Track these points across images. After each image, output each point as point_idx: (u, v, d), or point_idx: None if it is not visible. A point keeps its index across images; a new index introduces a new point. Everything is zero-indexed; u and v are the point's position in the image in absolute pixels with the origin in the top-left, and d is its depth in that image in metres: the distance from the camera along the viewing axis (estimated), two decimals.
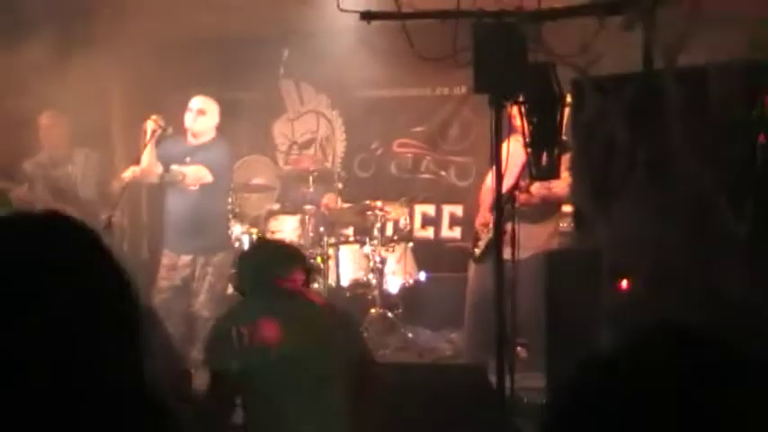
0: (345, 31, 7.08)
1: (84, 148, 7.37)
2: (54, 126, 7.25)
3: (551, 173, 4.53)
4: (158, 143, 6.69)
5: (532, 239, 5.83)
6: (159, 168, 6.69)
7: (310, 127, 9.06)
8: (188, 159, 6.78)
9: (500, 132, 4.58)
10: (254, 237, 7.66)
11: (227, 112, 7.17)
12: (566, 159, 4.71)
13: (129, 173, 6.72)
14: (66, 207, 7.05)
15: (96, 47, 7.02)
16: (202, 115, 6.86)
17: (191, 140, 6.87)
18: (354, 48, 7.67)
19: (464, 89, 8.17)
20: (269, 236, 7.79)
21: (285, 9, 7.36)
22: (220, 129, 7.07)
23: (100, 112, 8.28)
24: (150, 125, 6.61)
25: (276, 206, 8.53)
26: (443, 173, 8.62)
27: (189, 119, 6.81)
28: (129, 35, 7.00)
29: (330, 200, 8.01)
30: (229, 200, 7.26)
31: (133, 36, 6.98)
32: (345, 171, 8.35)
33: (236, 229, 7.67)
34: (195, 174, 6.72)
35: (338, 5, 4.69)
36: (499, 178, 4.56)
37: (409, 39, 4.68)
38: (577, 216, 4.68)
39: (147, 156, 6.64)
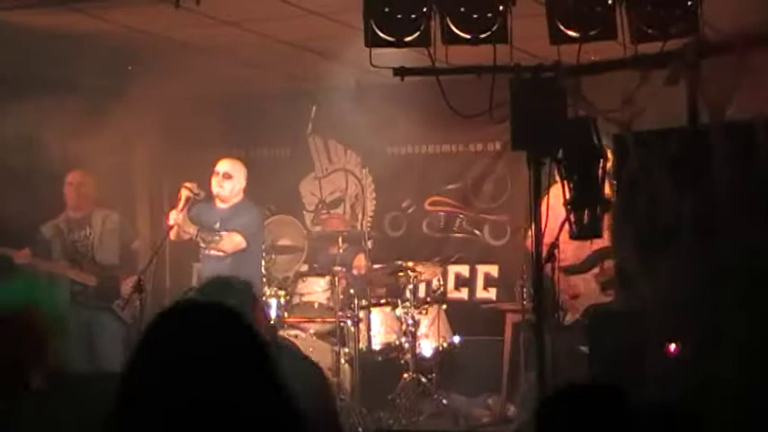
0: (376, 87, 7.19)
1: (103, 209, 7.44)
2: (81, 186, 7.34)
3: (594, 231, 4.57)
4: (189, 209, 6.80)
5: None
6: (193, 229, 6.79)
7: (339, 185, 9.14)
8: (218, 225, 6.87)
9: (539, 191, 4.64)
10: (282, 301, 7.72)
11: (254, 171, 7.27)
12: (608, 217, 4.74)
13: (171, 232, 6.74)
14: (82, 272, 7.14)
15: (122, 105, 7.16)
16: (229, 180, 6.96)
17: (219, 205, 6.99)
18: (385, 103, 7.76)
19: (498, 145, 8.25)
20: (297, 299, 7.84)
21: (314, 64, 7.48)
22: (247, 188, 7.15)
23: (123, 172, 8.43)
24: (185, 193, 6.73)
25: (305, 268, 8.57)
26: (477, 232, 8.63)
27: (215, 183, 6.95)
28: (154, 92, 7.15)
29: (360, 261, 8.05)
30: (261, 262, 7.31)
31: (158, 94, 7.12)
32: (376, 230, 8.41)
33: (265, 292, 7.72)
34: (230, 241, 6.84)
35: (370, 61, 4.79)
36: (538, 238, 4.61)
37: (444, 95, 4.77)
38: (620, 274, 4.70)
39: (181, 218, 6.73)
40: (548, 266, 5.09)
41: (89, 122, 6.92)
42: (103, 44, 7.05)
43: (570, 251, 5.89)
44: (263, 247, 7.44)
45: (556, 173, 4.89)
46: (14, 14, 6.43)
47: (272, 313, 7.58)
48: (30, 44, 6.75)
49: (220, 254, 6.85)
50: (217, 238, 6.79)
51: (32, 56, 6.92)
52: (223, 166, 6.99)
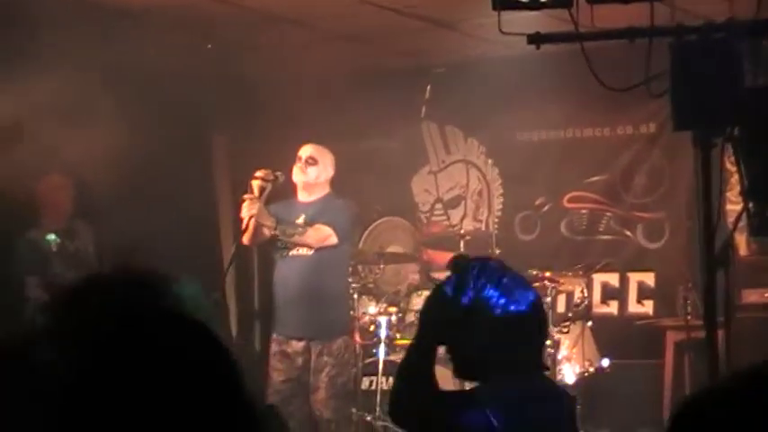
0: (504, 61, 7.15)
1: (82, 219, 7.49)
2: (63, 189, 7.43)
3: None
4: (266, 203, 6.73)
5: None
6: (271, 221, 6.68)
7: (458, 180, 9.11)
8: (301, 219, 6.82)
9: (709, 179, 4.51)
10: (393, 318, 7.72)
11: (357, 165, 7.28)
12: None
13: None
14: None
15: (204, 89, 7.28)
16: (313, 165, 6.86)
17: (302, 197, 6.92)
18: (514, 80, 7.70)
19: (653, 126, 8.13)
20: (412, 317, 7.83)
21: (428, 37, 7.47)
22: (347, 186, 7.15)
23: (203, 165, 8.58)
24: (256, 183, 6.64)
25: (419, 279, 8.57)
26: (628, 232, 8.52)
27: (297, 171, 6.85)
28: (234, 73, 7.25)
29: None
30: (349, 269, 7.28)
31: (240, 74, 7.21)
32: (503, 233, 8.35)
33: (370, 309, 7.73)
34: (316, 234, 6.71)
35: (499, 28, 4.72)
36: (710, 237, 4.49)
37: (589, 65, 4.68)
38: None
39: (257, 209, 6.64)
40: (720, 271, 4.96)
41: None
42: (179, 21, 7.17)
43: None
44: (362, 256, 7.40)
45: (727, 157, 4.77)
46: None
47: (382, 333, 7.59)
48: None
49: (303, 253, 6.75)
50: (300, 230, 6.70)
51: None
52: (306, 150, 6.92)
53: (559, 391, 3.48)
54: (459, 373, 3.33)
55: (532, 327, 3.19)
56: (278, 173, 6.71)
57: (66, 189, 7.43)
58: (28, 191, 7.29)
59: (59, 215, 7.42)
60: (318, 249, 6.71)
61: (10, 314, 7.15)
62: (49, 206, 7.40)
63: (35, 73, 6.41)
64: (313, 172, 6.85)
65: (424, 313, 3.25)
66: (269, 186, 6.63)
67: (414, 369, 3.22)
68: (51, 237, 7.22)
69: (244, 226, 6.63)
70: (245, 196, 6.63)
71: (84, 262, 7.28)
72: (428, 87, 8.52)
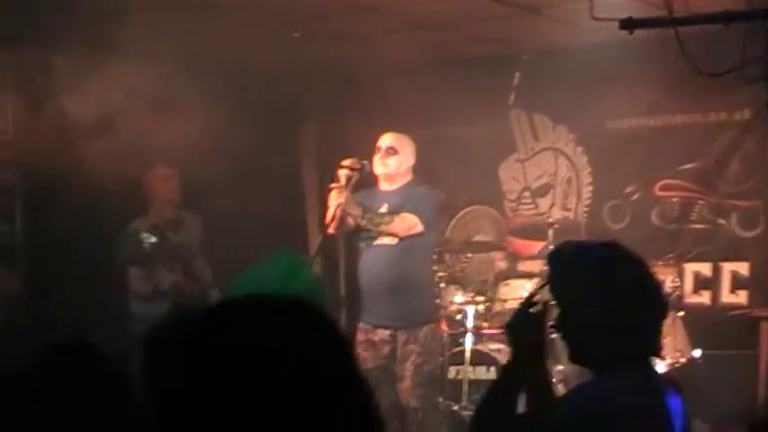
0: (594, 47, 7.07)
1: (190, 211, 7.59)
2: (170, 179, 7.50)
3: None
4: (352, 192, 6.70)
5: None
6: (358, 209, 6.69)
7: (547, 168, 9.04)
8: (384, 208, 6.79)
9: None
10: (480, 308, 7.70)
11: (443, 153, 7.26)
12: None
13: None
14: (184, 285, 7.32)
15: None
16: (394, 155, 6.81)
17: (383, 187, 6.89)
18: (604, 67, 7.61)
19: (748, 112, 7.99)
20: (499, 306, 7.81)
21: (516, 23, 7.42)
22: (434, 173, 7.13)
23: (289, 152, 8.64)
24: (343, 173, 6.63)
25: (507, 268, 8.53)
26: (722, 221, 8.38)
27: (378, 161, 6.82)
28: (321, 62, 7.27)
29: None
30: (434, 257, 7.25)
31: (327, 62, 7.22)
32: (592, 222, 8.27)
33: (457, 298, 7.73)
34: (402, 223, 6.69)
35: (591, 13, 4.69)
36: None
37: (683, 50, 4.62)
38: None
39: (344, 198, 6.63)
40: None
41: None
42: (266, 11, 7.22)
43: None
44: (449, 244, 7.36)
45: None
46: None
47: (469, 323, 7.58)
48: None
49: (388, 242, 6.73)
50: (387, 218, 6.68)
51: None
52: (386, 139, 6.88)
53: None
54: (574, 359, 3.21)
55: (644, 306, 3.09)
56: (364, 162, 6.70)
57: (172, 179, 7.53)
58: (133, 182, 7.41)
59: (166, 205, 7.52)
60: (403, 238, 6.70)
61: (113, 304, 7.33)
62: (156, 197, 7.50)
63: (126, 64, 6.51)
64: (393, 162, 6.82)
65: (511, 329, 3.13)
66: (356, 175, 6.62)
67: (499, 392, 3.15)
68: (145, 235, 7.29)
69: (331, 215, 6.61)
70: (333, 185, 6.64)
71: (183, 256, 7.38)
72: (516, 74, 8.47)
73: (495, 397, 3.16)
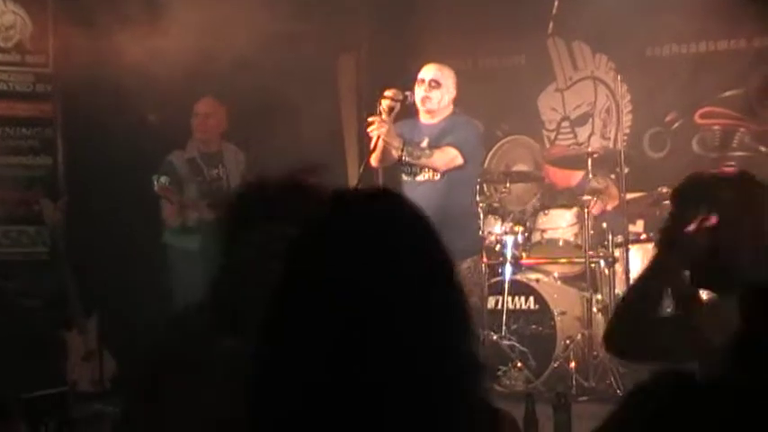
0: None
1: (231, 144, 7.62)
2: (211, 116, 7.49)
3: None
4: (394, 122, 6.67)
5: None
6: (398, 141, 6.61)
7: (586, 97, 9.02)
8: (425, 143, 6.73)
9: None
10: (519, 238, 7.75)
11: (481, 83, 7.25)
12: None
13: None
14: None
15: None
16: (437, 88, 6.73)
17: (424, 120, 6.82)
18: None
19: None
20: (538, 236, 7.84)
21: None
22: (472, 104, 7.12)
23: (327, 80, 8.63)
24: (386, 103, 6.54)
25: (545, 198, 8.56)
26: (764, 148, 8.36)
27: (419, 93, 6.74)
28: None
29: (614, 189, 7.96)
30: (477, 189, 7.26)
31: None
32: (633, 151, 8.26)
33: (496, 229, 7.77)
34: (443, 156, 6.64)
35: None
36: None
37: None
38: None
39: (385, 130, 6.60)
40: None
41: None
42: None
43: None
44: (487, 174, 7.34)
45: None
46: None
47: (508, 253, 7.64)
48: None
49: (430, 177, 6.70)
50: (427, 152, 6.63)
51: None
52: (428, 72, 6.79)
53: None
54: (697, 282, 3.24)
55: None
56: (407, 92, 6.64)
57: (219, 113, 7.58)
58: (176, 113, 7.48)
59: (210, 138, 7.59)
60: (445, 172, 6.67)
61: (153, 234, 7.45)
62: (196, 130, 7.57)
63: None
64: (436, 96, 6.74)
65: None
66: (397, 106, 6.56)
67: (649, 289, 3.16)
68: (162, 179, 7.23)
69: (372, 146, 6.59)
70: (374, 117, 6.64)
71: (219, 190, 7.44)
72: (555, 3, 8.42)
73: (640, 295, 3.20)
